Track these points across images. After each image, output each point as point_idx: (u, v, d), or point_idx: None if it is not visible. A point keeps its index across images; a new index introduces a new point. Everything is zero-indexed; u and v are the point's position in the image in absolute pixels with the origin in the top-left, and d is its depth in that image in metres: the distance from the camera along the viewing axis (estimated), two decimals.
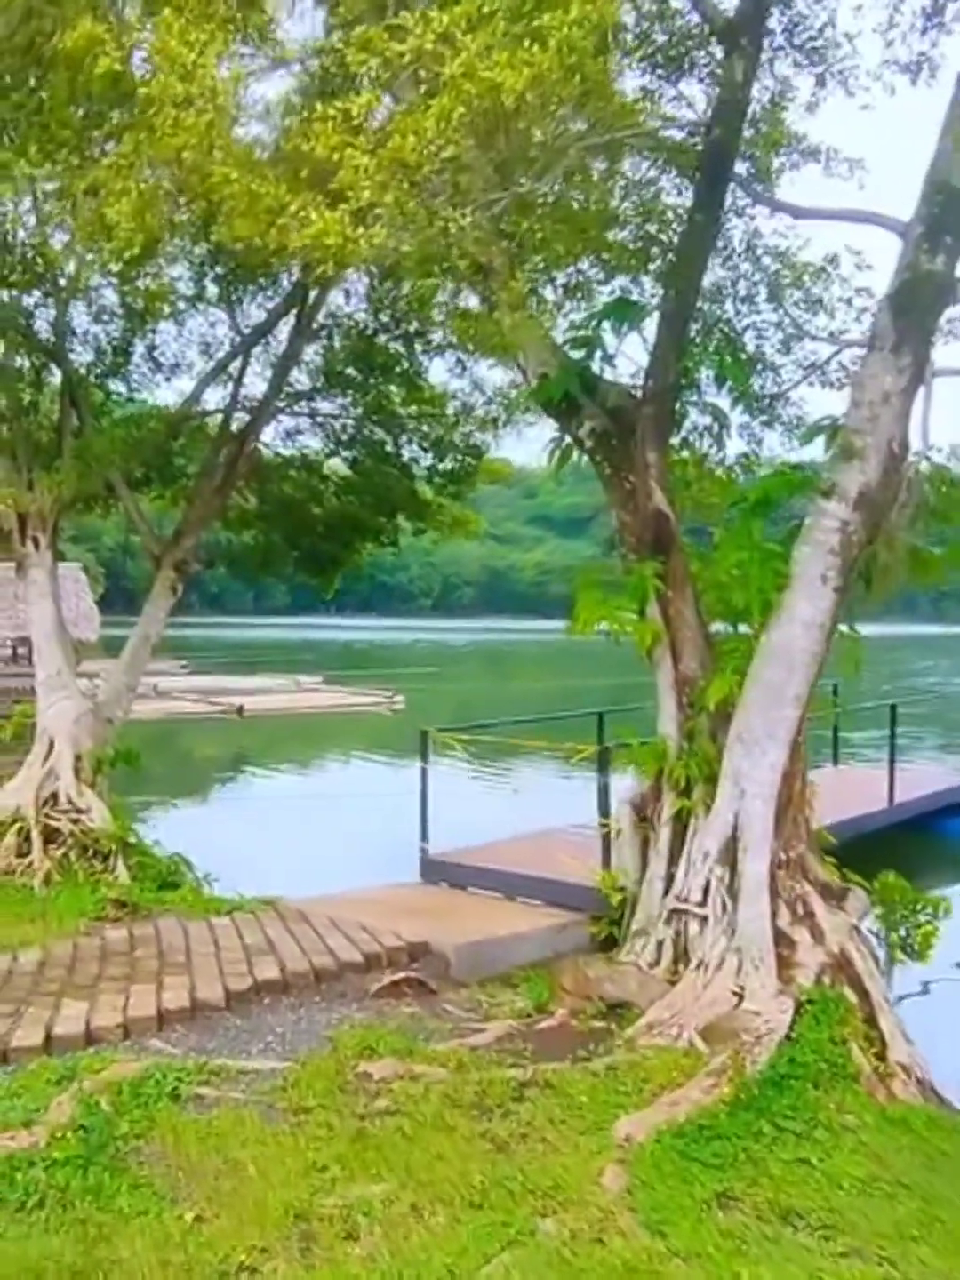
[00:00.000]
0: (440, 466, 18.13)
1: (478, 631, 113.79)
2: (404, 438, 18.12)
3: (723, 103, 8.26)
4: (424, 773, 12.03)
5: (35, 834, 12.06)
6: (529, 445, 18.20)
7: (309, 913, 10.26)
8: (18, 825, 12.20)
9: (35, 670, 13.99)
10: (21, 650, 33.61)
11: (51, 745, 13.00)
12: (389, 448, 18.08)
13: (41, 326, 16.34)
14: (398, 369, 17.56)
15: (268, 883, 12.31)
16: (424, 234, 6.80)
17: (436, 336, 17.07)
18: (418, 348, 17.34)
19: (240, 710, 33.83)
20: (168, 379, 18.08)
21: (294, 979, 8.51)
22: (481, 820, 14.74)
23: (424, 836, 12.00)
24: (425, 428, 17.93)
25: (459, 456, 18.00)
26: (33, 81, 10.14)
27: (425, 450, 18.08)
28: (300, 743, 31.59)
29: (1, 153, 9.98)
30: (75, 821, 12.29)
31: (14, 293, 15.65)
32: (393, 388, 17.70)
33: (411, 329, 17.14)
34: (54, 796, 12.63)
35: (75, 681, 13.81)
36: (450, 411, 17.70)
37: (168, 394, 18.23)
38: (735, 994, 7.79)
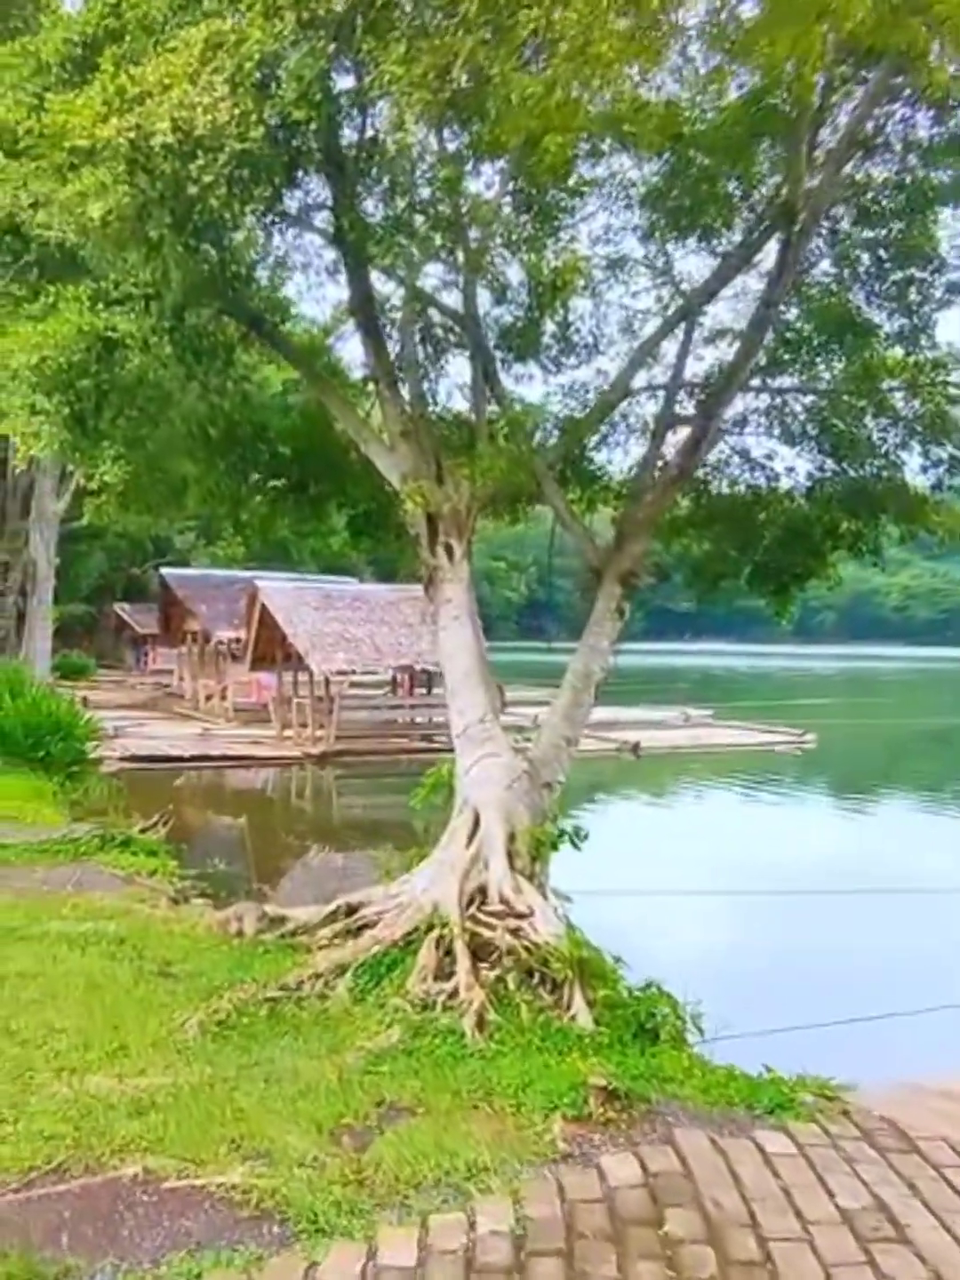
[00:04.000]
0: (937, 452, 13.97)
1: (840, 658, 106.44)
2: (885, 418, 14.04)
3: None
4: None
5: (461, 948, 8.70)
6: None
7: (905, 1125, 6.34)
8: (436, 934, 8.90)
9: (450, 716, 10.80)
10: (400, 678, 31.48)
11: (477, 820, 9.69)
12: (864, 432, 14.11)
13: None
14: (885, 330, 13.66)
15: (763, 1013, 9.43)
16: None
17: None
18: (913, 295, 13.38)
19: (635, 748, 30.25)
20: (584, 360, 14.99)
21: None
22: None
23: None
24: (917, 404, 13.78)
25: None
26: None
27: (918, 433, 13.89)
28: (721, 791, 27.59)
29: None
30: (514, 931, 8.87)
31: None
32: (872, 353, 13.75)
33: (907, 275, 13.23)
34: (482, 892, 9.29)
35: (503, 733, 10.49)
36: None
37: (584, 376, 15.13)
38: None
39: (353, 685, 31.02)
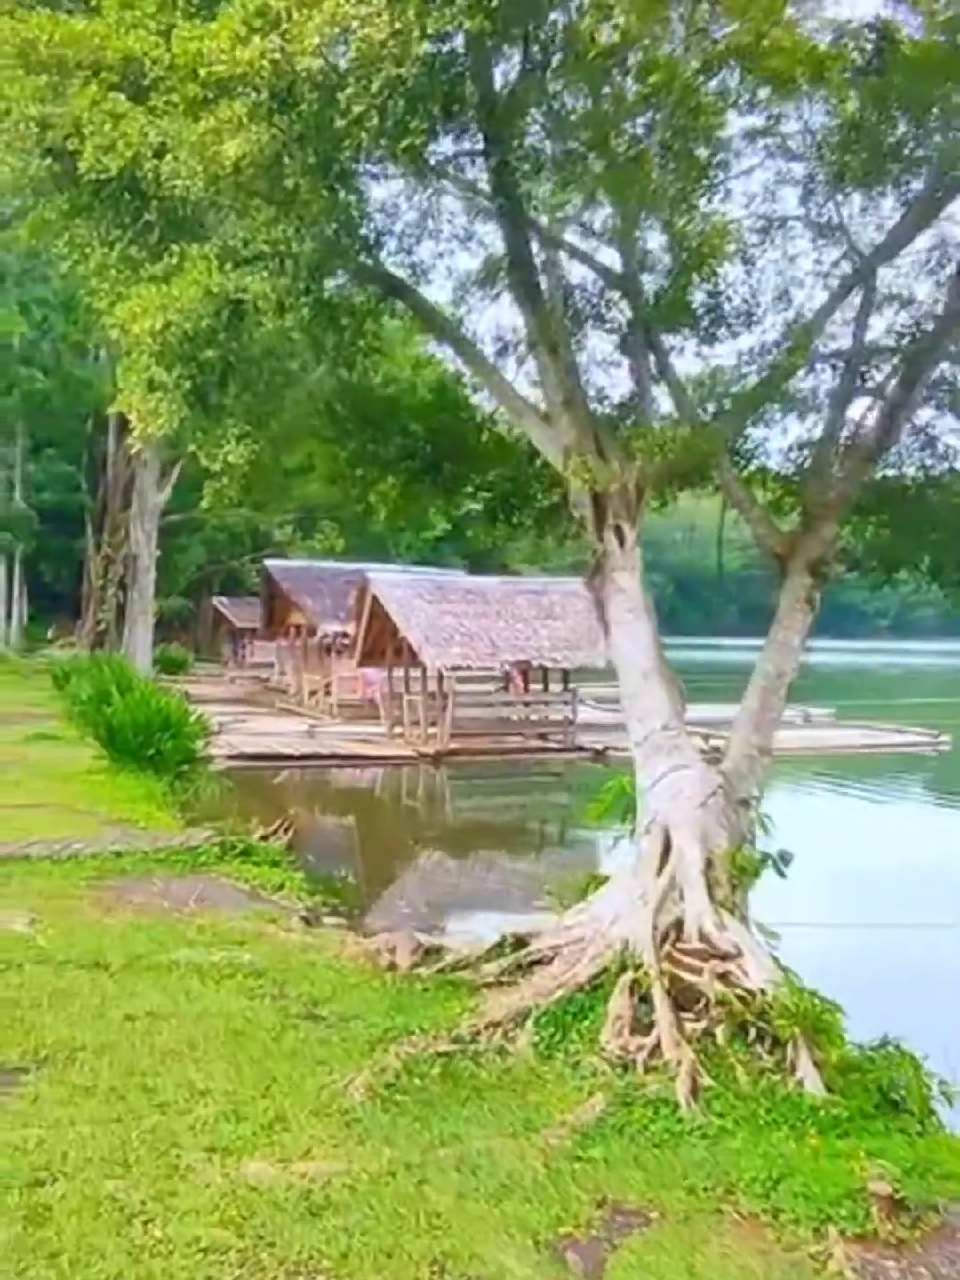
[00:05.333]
0: None
1: (940, 655, 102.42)
2: None
3: None
4: None
5: (659, 996, 7.41)
6: None
7: None
8: (630, 977, 7.62)
9: (627, 721, 9.49)
10: (514, 673, 30.24)
11: (667, 842, 8.39)
12: None
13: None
14: None
15: None
16: None
17: None
18: None
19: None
20: (741, 328, 13.60)
21: None
22: None
23: None
24: None
25: None
26: None
27: None
28: (874, 797, 25.88)
29: None
30: (723, 976, 7.56)
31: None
32: None
33: None
34: (677, 928, 7.99)
35: (690, 741, 9.19)
36: None
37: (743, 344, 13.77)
38: None
39: (460, 681, 29.84)
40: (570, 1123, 6.32)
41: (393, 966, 8.93)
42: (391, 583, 28.83)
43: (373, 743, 28.46)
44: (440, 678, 27.14)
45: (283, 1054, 7.30)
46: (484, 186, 11.56)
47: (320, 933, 10.65)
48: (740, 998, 7.38)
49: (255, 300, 10.19)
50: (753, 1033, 7.32)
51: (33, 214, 12.84)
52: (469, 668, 27.24)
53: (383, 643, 29.37)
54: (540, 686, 30.53)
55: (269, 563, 43.19)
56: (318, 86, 8.31)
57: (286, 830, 15.40)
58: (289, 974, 8.94)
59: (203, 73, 8.45)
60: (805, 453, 12.65)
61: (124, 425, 55.55)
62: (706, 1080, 6.90)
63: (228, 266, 10.16)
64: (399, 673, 29.18)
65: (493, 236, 13.39)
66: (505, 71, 10.09)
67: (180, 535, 57.69)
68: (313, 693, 37.30)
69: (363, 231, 11.84)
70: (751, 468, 13.42)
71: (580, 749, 27.79)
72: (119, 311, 10.15)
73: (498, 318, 13.34)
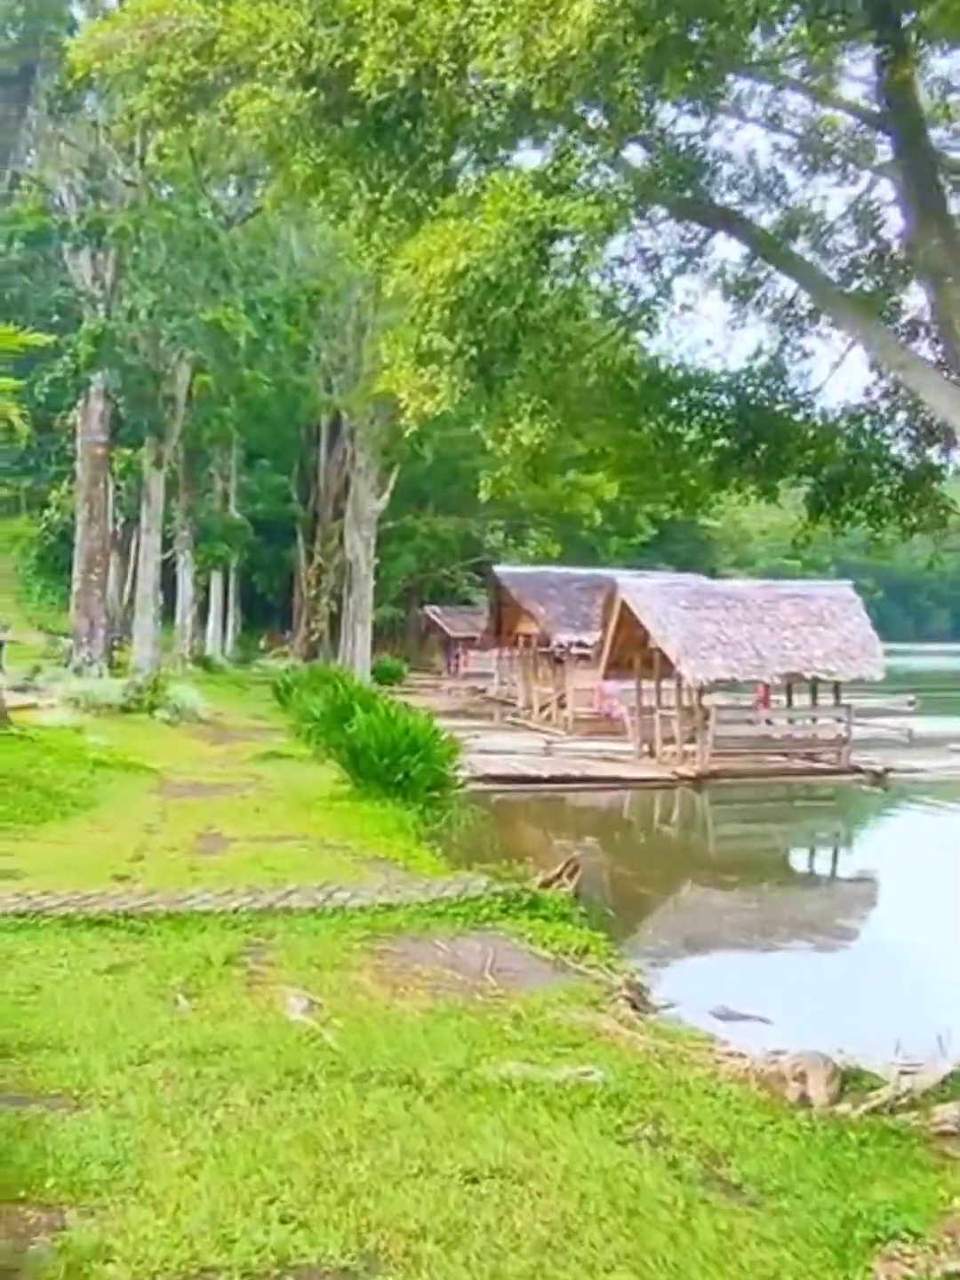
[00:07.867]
0: None
1: None
2: None
3: None
4: None
5: None
6: None
7: None
8: None
9: None
10: (773, 686, 27.56)
11: None
12: None
13: None
14: None
15: None
16: None
17: None
18: None
19: None
20: None
21: None
22: None
23: None
24: None
25: None
26: None
27: None
28: None
29: None
30: None
31: None
32: None
33: None
34: None
35: None
36: None
37: None
38: None
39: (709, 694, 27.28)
40: None
41: (804, 1101, 6.61)
42: (642, 589, 26.46)
43: (619, 761, 26.16)
44: (699, 692, 24.66)
45: (706, 1256, 5.05)
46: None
47: (668, 1030, 8.41)
48: None
49: (578, 227, 8.23)
50: None
51: (276, 178, 11.41)
52: (734, 680, 24.72)
53: (629, 653, 27.06)
54: (810, 701, 27.65)
55: (498, 569, 41.26)
56: None
57: (572, 874, 13.25)
58: (660, 1103, 6.70)
59: None
60: None
61: (335, 434, 54.71)
62: None
63: (537, 195, 8.23)
64: (648, 685, 26.80)
65: (799, 183, 11.52)
66: None
67: (391, 543, 56.91)
68: (543, 706, 35.22)
69: (690, 157, 9.99)
70: None
71: (856, 770, 25.00)
72: (410, 250, 8.35)
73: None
